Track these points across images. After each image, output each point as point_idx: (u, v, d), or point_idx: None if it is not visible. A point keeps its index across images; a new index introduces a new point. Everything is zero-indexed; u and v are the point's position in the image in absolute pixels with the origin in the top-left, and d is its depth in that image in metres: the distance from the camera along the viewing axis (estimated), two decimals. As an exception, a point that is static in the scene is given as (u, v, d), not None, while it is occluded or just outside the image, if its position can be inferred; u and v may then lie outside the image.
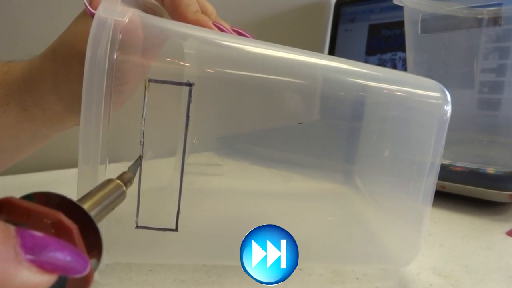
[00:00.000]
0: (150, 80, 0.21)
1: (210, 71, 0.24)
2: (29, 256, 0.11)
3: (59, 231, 0.12)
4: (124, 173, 0.19)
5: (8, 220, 0.11)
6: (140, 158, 0.22)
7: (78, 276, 0.12)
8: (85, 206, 0.15)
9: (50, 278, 0.11)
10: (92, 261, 0.13)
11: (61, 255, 0.11)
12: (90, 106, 0.19)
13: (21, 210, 0.12)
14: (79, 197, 0.16)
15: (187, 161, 0.31)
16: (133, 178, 0.20)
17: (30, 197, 0.13)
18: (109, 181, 0.18)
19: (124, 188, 0.18)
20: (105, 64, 0.19)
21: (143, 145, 0.21)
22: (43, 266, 0.11)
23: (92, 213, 0.14)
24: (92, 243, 0.13)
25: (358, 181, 0.31)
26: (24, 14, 0.51)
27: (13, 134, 0.28)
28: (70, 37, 0.25)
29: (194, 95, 0.22)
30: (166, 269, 0.27)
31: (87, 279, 0.13)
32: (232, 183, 0.32)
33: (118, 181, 0.18)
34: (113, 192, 0.17)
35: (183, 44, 0.24)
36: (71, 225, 0.12)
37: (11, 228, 0.11)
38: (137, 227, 0.22)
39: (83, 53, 0.19)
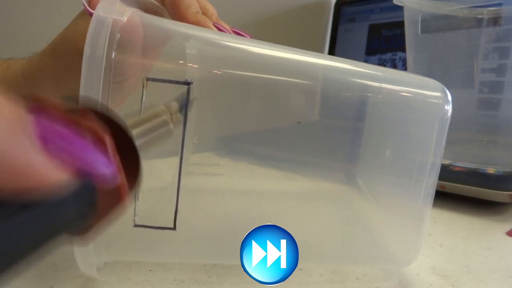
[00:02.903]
0: (148, 79, 0.21)
1: (212, 71, 0.24)
2: (44, 145, 0.09)
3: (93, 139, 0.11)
4: (171, 107, 0.18)
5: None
6: (188, 86, 0.20)
7: (104, 184, 0.11)
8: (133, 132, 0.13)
9: (67, 177, 0.10)
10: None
11: (83, 154, 0.10)
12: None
13: (51, 107, 0.10)
14: None
15: (188, 161, 0.31)
16: (181, 120, 0.19)
17: (69, 101, 0.12)
18: (157, 114, 0.17)
19: (171, 126, 0.17)
20: (102, 63, 0.19)
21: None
22: (61, 158, 0.09)
23: (138, 142, 0.13)
24: (130, 170, 0.12)
25: (359, 181, 0.31)
26: (24, 14, 0.51)
27: None
28: (70, 34, 0.25)
29: (196, 95, 0.22)
30: (166, 269, 0.27)
31: (119, 196, 0.12)
32: (232, 183, 0.32)
33: (166, 119, 0.17)
34: (160, 127, 0.16)
35: (185, 44, 0.24)
36: (102, 134, 0.11)
37: (28, 115, 0.09)
38: (135, 225, 0.22)
39: (83, 49, 0.19)
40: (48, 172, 0.09)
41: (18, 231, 0.09)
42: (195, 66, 0.23)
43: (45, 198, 0.09)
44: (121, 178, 0.12)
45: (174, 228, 0.23)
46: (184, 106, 0.21)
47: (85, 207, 0.11)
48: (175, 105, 0.19)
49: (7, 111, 0.08)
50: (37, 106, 0.10)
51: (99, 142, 0.11)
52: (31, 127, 0.09)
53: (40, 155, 0.09)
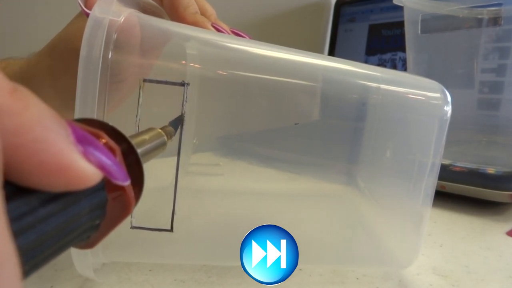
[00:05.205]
0: (145, 80, 0.21)
1: (211, 72, 0.24)
2: (79, 146, 0.10)
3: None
4: (165, 126, 0.19)
5: None
6: (183, 115, 0.21)
7: (119, 182, 0.11)
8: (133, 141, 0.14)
9: (99, 173, 0.10)
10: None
11: (105, 157, 0.11)
12: (85, 106, 0.19)
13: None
14: None
15: (188, 161, 0.31)
16: (173, 133, 0.19)
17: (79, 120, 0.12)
18: (151, 129, 0.17)
19: (165, 138, 0.17)
20: (99, 64, 0.19)
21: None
22: (91, 160, 0.10)
23: (139, 151, 0.14)
24: (133, 181, 0.13)
25: (360, 182, 0.31)
26: (24, 14, 0.51)
27: None
28: (68, 34, 0.25)
29: (196, 95, 0.22)
30: (166, 269, 0.27)
31: (126, 205, 0.12)
32: (232, 183, 0.32)
33: (160, 130, 0.17)
34: (155, 139, 0.17)
35: (185, 45, 0.24)
36: (114, 145, 0.12)
37: (63, 119, 0.10)
38: (132, 227, 0.22)
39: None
40: (85, 167, 0.10)
41: (49, 220, 0.10)
42: (194, 65, 0.23)
43: (74, 191, 0.10)
44: (129, 187, 0.12)
45: (171, 230, 0.23)
46: (182, 107, 0.21)
47: (96, 210, 0.11)
48: (169, 129, 0.19)
49: (53, 113, 0.10)
50: None
51: (111, 152, 0.12)
52: (66, 125, 0.10)
53: (78, 152, 0.10)
